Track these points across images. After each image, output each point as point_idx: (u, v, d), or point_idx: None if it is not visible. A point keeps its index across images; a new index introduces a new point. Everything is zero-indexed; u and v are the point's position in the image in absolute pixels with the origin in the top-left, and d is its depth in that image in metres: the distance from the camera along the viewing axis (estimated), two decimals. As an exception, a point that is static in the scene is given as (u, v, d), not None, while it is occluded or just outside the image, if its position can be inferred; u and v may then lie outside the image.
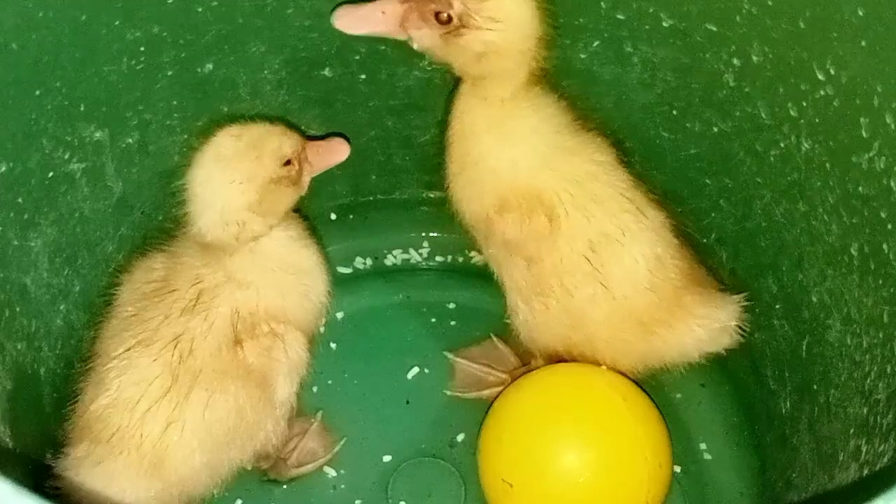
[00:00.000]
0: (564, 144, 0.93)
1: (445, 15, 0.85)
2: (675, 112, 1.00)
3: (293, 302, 0.92)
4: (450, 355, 1.09)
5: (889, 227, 0.80)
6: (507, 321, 1.00)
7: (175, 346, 0.87)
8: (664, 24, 0.93)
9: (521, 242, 0.92)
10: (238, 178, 0.86)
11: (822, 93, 0.84)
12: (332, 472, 1.03)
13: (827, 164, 0.86)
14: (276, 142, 0.88)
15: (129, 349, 0.88)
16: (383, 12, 0.87)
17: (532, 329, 0.97)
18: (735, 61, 0.91)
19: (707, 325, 0.96)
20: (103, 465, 0.86)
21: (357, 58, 1.02)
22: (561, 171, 0.92)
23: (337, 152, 0.94)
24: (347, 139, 0.95)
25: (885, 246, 0.81)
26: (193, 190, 0.87)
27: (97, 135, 0.93)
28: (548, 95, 0.94)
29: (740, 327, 0.97)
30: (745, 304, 0.98)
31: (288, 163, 0.88)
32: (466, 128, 0.92)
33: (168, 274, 0.92)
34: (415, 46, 0.89)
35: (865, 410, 0.83)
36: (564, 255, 0.92)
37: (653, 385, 1.02)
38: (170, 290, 0.90)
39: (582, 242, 0.92)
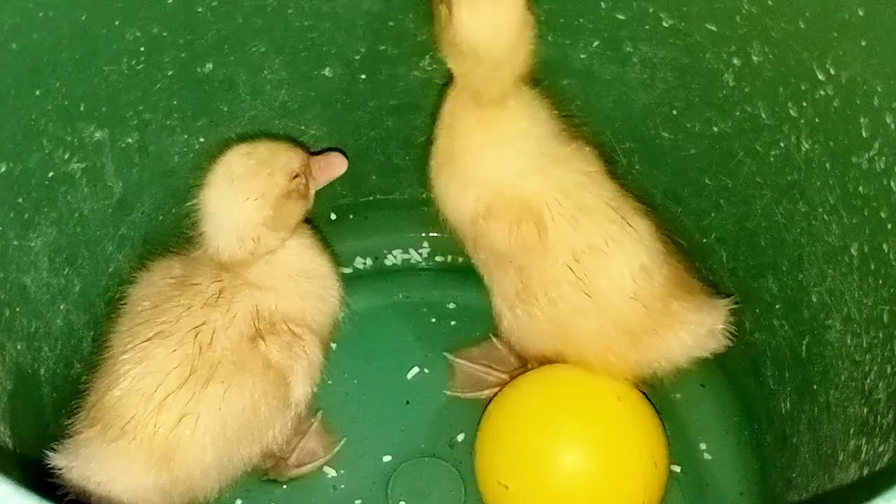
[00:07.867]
0: (553, 153, 0.93)
1: None
2: (675, 112, 1.00)
3: (311, 305, 0.94)
4: (450, 355, 1.09)
5: (889, 227, 0.80)
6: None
7: (195, 337, 0.88)
8: (664, 24, 0.93)
9: (510, 251, 0.92)
10: (253, 196, 0.88)
11: (822, 93, 0.84)
12: (332, 472, 1.03)
13: (827, 164, 0.86)
14: (285, 157, 0.91)
15: (147, 339, 0.88)
16: None
17: (518, 336, 0.97)
18: (735, 61, 0.91)
19: (694, 330, 0.95)
20: (114, 446, 0.86)
21: (357, 58, 1.02)
22: (549, 180, 0.92)
23: (337, 166, 0.96)
24: (344, 153, 0.97)
25: (885, 246, 0.81)
26: (207, 210, 0.89)
27: (97, 135, 0.93)
28: (541, 101, 0.93)
29: (729, 330, 0.96)
30: (734, 307, 0.97)
31: (296, 177, 0.91)
32: (455, 122, 0.92)
33: (188, 272, 0.93)
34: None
35: (865, 410, 0.83)
36: (549, 266, 0.91)
37: (653, 385, 1.02)
38: (191, 284, 0.91)
39: (566, 253, 0.91)
